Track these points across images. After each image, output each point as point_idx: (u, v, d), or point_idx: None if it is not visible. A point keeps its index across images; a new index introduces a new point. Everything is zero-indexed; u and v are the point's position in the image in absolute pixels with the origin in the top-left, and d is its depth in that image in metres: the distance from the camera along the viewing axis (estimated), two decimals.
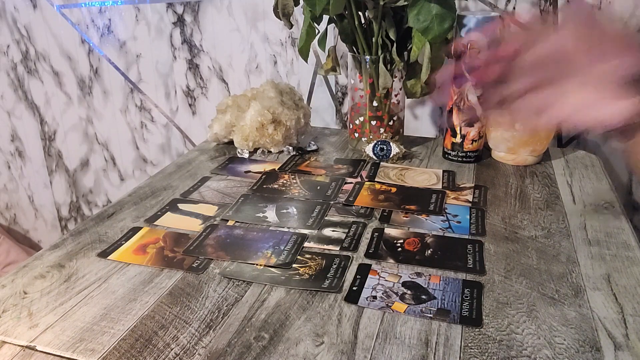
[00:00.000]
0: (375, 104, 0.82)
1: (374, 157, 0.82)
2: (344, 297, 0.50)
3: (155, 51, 1.15)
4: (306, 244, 0.59)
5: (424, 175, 0.77)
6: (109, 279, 0.54)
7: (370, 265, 0.55)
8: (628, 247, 0.58)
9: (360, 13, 0.77)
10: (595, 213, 0.66)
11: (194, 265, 0.56)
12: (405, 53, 0.79)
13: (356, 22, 0.77)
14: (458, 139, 0.80)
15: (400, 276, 0.53)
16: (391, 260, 0.56)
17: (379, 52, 0.79)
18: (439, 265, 0.55)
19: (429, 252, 0.57)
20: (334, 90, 1.07)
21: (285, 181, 0.75)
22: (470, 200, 0.69)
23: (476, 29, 0.73)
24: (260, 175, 0.78)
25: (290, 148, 0.87)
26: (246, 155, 0.86)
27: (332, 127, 1.09)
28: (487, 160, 0.83)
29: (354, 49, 0.81)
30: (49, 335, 0.46)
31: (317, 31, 0.81)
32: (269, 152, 0.87)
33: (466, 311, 0.48)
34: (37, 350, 0.44)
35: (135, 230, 0.63)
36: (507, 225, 0.63)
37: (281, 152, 0.87)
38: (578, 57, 0.47)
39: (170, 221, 0.65)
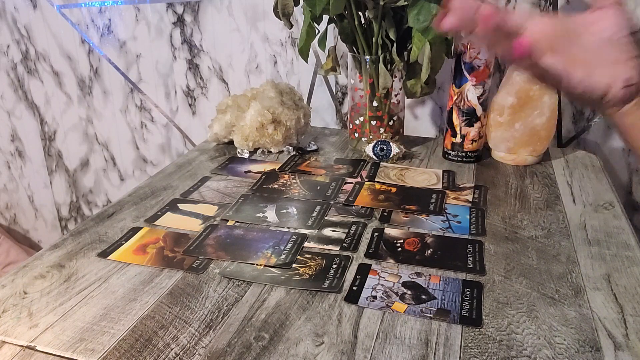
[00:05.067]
0: (375, 104, 0.82)
1: (374, 157, 0.82)
2: (344, 297, 0.50)
3: (155, 51, 1.15)
4: (306, 244, 0.59)
5: (424, 175, 0.77)
6: (109, 279, 0.54)
7: (370, 265, 0.55)
8: (628, 247, 0.58)
9: (360, 13, 0.77)
10: (595, 213, 0.66)
11: (194, 265, 0.56)
12: (405, 53, 0.79)
13: (356, 22, 0.77)
14: (458, 139, 0.80)
15: (400, 276, 0.53)
16: (391, 260, 0.56)
17: (379, 52, 0.79)
18: (439, 265, 0.55)
19: (429, 252, 0.57)
20: (334, 90, 1.07)
21: (285, 181, 0.75)
22: (470, 200, 0.69)
23: None
24: (260, 175, 0.78)
25: (290, 148, 0.87)
26: (246, 155, 0.86)
27: (332, 127, 1.09)
28: (487, 160, 0.83)
29: (354, 49, 0.81)
30: (49, 335, 0.46)
31: (317, 31, 0.81)
32: (269, 152, 0.87)
33: (466, 311, 0.48)
34: (37, 350, 0.44)
35: (135, 230, 0.63)
36: (507, 225, 0.63)
37: (281, 152, 0.87)
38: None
39: (170, 221, 0.65)
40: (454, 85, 0.79)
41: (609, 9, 0.50)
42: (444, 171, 0.78)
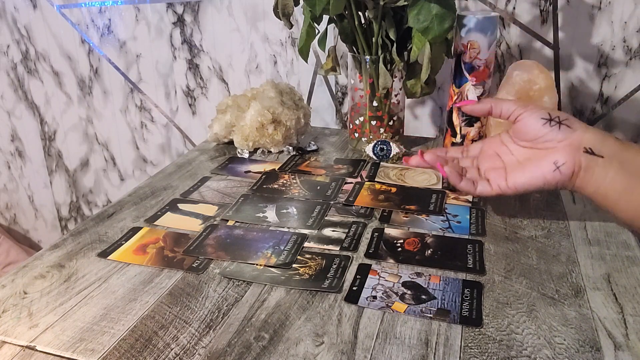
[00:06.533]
0: (375, 104, 0.82)
1: (374, 157, 0.82)
2: (344, 297, 0.50)
3: (155, 51, 1.15)
4: (306, 244, 0.59)
5: (424, 175, 0.77)
6: (109, 279, 0.54)
7: (370, 265, 0.55)
8: (628, 247, 0.58)
9: (360, 13, 0.77)
10: (595, 213, 0.66)
11: (194, 265, 0.56)
12: (405, 53, 0.79)
13: (356, 22, 0.77)
14: (458, 139, 0.80)
15: (400, 276, 0.53)
16: (391, 260, 0.56)
17: (379, 52, 0.79)
18: (439, 265, 0.55)
19: (429, 252, 0.57)
20: (334, 90, 1.07)
21: (285, 181, 0.75)
22: (470, 200, 0.69)
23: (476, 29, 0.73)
24: (260, 175, 0.78)
25: (290, 148, 0.87)
26: (246, 155, 0.86)
27: (332, 127, 1.09)
28: None
29: (354, 49, 0.81)
30: (49, 335, 0.46)
31: (317, 31, 0.81)
32: (269, 152, 0.87)
33: (466, 311, 0.48)
34: (37, 350, 0.44)
35: (135, 230, 0.63)
36: (507, 225, 0.63)
37: (281, 152, 0.87)
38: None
39: (170, 221, 0.65)
40: (454, 85, 0.79)
41: (522, 115, 0.56)
42: None
